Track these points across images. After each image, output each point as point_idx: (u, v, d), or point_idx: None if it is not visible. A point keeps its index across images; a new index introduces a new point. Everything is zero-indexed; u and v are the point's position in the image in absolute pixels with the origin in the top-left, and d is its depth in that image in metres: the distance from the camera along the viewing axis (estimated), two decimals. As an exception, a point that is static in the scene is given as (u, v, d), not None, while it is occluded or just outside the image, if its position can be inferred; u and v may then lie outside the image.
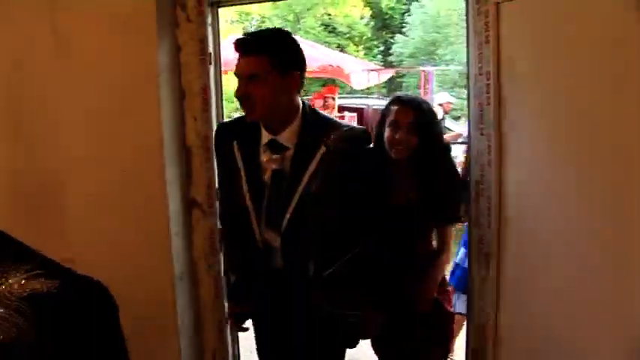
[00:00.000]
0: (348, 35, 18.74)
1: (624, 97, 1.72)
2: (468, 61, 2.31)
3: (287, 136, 1.94)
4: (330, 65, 6.79)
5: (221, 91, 2.60)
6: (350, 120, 7.21)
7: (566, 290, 1.98)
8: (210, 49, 2.52)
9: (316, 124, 1.97)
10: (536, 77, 2.05)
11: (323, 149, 1.91)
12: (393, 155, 2.25)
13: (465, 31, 2.37)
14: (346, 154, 1.92)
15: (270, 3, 11.40)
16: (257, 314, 2.22)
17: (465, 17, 2.38)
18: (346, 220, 1.99)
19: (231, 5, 2.66)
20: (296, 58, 1.90)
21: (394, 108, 2.26)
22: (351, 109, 7.53)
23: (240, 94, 1.85)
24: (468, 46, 2.30)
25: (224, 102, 2.65)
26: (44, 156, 2.68)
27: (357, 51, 18.29)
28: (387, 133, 2.25)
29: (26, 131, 2.70)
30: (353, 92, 10.72)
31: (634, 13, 1.62)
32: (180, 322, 2.60)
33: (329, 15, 18.14)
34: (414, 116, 2.20)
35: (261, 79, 1.82)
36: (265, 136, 1.96)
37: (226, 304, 2.55)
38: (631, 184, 1.72)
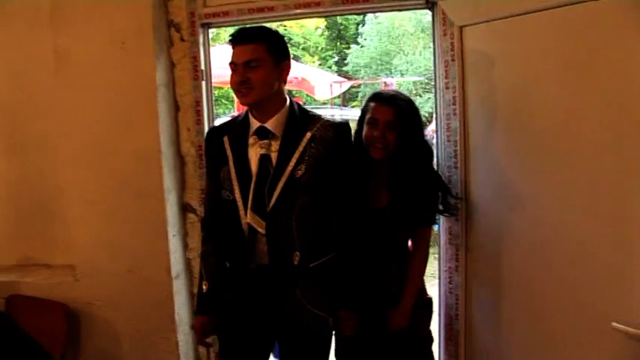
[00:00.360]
0: (303, 46, 18.89)
1: (575, 102, 1.99)
2: (435, 76, 2.58)
3: (275, 124, 2.03)
4: (296, 78, 7.03)
5: (212, 104, 2.80)
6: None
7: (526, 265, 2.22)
8: (202, 66, 2.73)
9: (301, 115, 2.09)
10: (494, 91, 2.32)
11: (308, 135, 2.02)
12: (372, 155, 2.21)
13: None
14: (330, 140, 2.03)
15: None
16: (225, 325, 2.18)
17: (431, 36, 2.65)
18: (333, 209, 2.09)
19: (221, 26, 2.89)
20: (286, 49, 2.04)
21: (373, 105, 2.22)
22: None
23: (239, 79, 1.95)
24: (435, 63, 2.58)
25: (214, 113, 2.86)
26: (45, 167, 2.87)
27: (313, 62, 18.34)
28: (365, 130, 2.22)
29: (27, 143, 2.89)
30: (312, 103, 10.93)
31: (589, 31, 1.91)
32: (178, 317, 2.78)
33: (284, 26, 18.27)
34: (393, 113, 2.16)
35: (259, 65, 1.94)
36: (254, 124, 2.05)
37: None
38: (579, 186, 2.02)
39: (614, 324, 1.74)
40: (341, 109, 10.68)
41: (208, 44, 2.77)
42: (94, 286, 2.82)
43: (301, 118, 2.07)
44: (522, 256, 2.25)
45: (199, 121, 2.75)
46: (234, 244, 2.10)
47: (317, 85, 7.67)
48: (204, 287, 2.16)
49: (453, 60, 2.44)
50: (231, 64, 1.98)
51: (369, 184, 2.26)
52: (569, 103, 2.00)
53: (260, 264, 2.06)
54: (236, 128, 2.13)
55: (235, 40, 1.98)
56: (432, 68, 2.65)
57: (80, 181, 2.77)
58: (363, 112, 2.28)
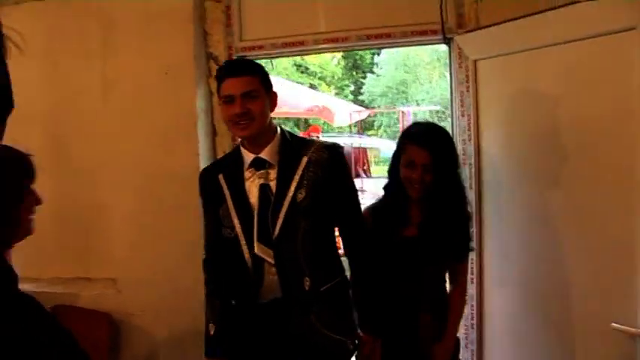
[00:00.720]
0: (319, 75, 19.25)
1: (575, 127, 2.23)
2: (451, 105, 2.82)
3: (270, 153, 2.04)
4: (317, 106, 7.30)
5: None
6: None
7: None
8: (237, 95, 2.99)
9: (294, 141, 2.11)
10: (506, 119, 2.54)
11: (305, 159, 2.03)
12: (409, 193, 2.20)
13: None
14: (327, 162, 2.04)
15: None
16: None
17: (448, 68, 2.91)
18: (346, 230, 2.16)
19: (255, 59, 3.14)
20: (271, 80, 2.07)
21: (411, 146, 2.18)
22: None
23: (240, 111, 1.94)
24: (451, 92, 2.82)
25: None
26: (89, 186, 3.08)
27: (329, 91, 18.63)
28: (403, 171, 2.20)
29: (73, 164, 3.11)
30: (330, 131, 11.21)
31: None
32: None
33: (302, 57, 18.62)
34: (430, 156, 2.12)
35: (258, 95, 1.97)
36: (249, 157, 2.06)
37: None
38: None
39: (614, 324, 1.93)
40: (360, 137, 10.96)
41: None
42: (134, 297, 3.02)
43: (294, 143, 2.10)
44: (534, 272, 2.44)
45: (234, 145, 2.98)
46: (240, 282, 2.09)
47: (337, 113, 7.94)
48: (211, 331, 2.12)
49: (467, 90, 2.68)
50: (225, 97, 1.99)
51: (405, 215, 2.25)
52: (575, 130, 2.22)
53: (270, 298, 2.04)
54: (229, 165, 2.14)
55: (231, 73, 1.99)
56: (448, 97, 2.89)
57: (122, 199, 3.01)
58: (399, 149, 2.25)
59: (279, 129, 2.12)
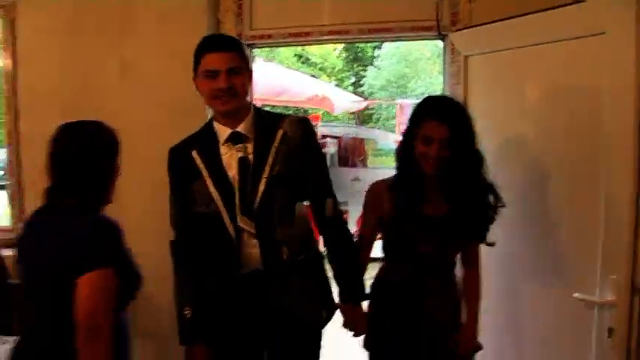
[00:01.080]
0: (320, 66, 19.37)
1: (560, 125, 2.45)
2: (443, 96, 3.05)
3: (246, 127, 2.07)
4: (317, 95, 7.52)
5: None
6: (330, 145, 8.03)
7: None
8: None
9: (267, 116, 2.17)
10: (492, 111, 2.73)
11: (280, 132, 2.07)
12: (424, 169, 2.11)
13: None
14: (301, 134, 2.09)
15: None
16: (220, 342, 2.13)
17: (442, 62, 3.14)
18: (318, 200, 2.17)
19: (263, 47, 3.38)
20: (248, 57, 2.14)
21: (429, 122, 2.08)
22: (332, 137, 8.34)
23: (225, 85, 1.97)
24: (444, 86, 3.06)
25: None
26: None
27: (330, 82, 18.80)
28: (418, 147, 2.10)
29: None
30: (329, 120, 11.38)
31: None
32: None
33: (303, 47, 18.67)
34: (448, 131, 2.04)
35: (239, 72, 2.01)
36: (224, 132, 2.09)
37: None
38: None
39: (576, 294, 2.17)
40: (358, 128, 11.17)
41: (252, 62, 3.24)
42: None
43: (267, 118, 2.15)
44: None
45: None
46: (219, 256, 2.09)
47: (336, 103, 8.16)
48: (187, 314, 2.09)
49: (458, 83, 2.90)
50: (208, 71, 2.01)
51: (424, 195, 2.17)
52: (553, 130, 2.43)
53: (249, 269, 2.07)
54: (202, 141, 2.14)
55: (215, 47, 2.02)
56: (441, 90, 3.12)
57: (136, 177, 3.17)
58: (413, 124, 2.15)
59: (252, 105, 2.18)
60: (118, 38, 3.22)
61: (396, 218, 2.16)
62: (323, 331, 2.24)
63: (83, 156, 1.86)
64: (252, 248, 2.05)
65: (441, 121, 2.05)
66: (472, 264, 2.32)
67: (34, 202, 3.57)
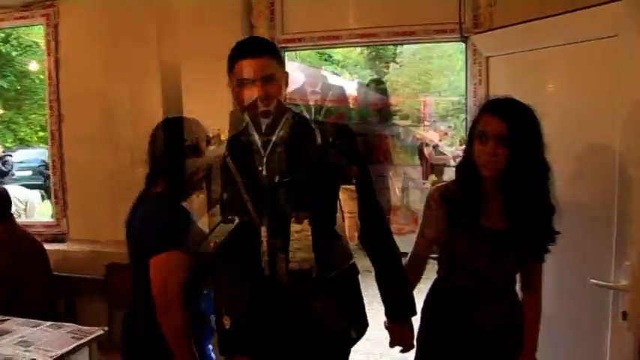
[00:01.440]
0: (342, 64, 19.40)
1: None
2: (466, 96, 3.20)
3: (280, 134, 1.95)
4: (340, 93, 7.70)
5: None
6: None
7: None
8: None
9: (302, 122, 2.02)
10: None
11: (318, 141, 1.93)
12: (483, 172, 1.93)
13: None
14: (336, 141, 1.94)
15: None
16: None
17: (464, 63, 3.29)
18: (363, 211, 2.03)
19: (295, 50, 3.54)
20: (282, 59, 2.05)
21: (484, 116, 1.92)
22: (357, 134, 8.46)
23: (262, 94, 1.85)
24: (466, 85, 3.20)
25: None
26: (141, 162, 3.45)
27: (352, 79, 18.81)
28: (476, 146, 1.93)
29: (127, 142, 3.41)
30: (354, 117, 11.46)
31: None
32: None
33: (324, 44, 18.55)
34: (505, 127, 1.85)
35: (275, 78, 1.89)
36: (259, 138, 1.96)
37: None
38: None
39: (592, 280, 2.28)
40: (381, 125, 11.23)
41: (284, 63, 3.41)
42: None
43: (303, 125, 2.01)
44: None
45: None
46: (254, 266, 1.95)
47: (359, 100, 8.30)
48: (226, 324, 2.01)
49: (480, 83, 3.05)
50: (241, 80, 1.90)
51: (482, 202, 1.99)
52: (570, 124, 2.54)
53: (280, 282, 1.94)
54: (237, 148, 2.02)
55: (248, 54, 1.90)
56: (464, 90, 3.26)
57: None
58: (474, 123, 1.99)
59: (287, 109, 2.03)
60: (156, 42, 3.38)
61: (451, 230, 2.03)
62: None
63: (170, 148, 2.13)
64: (282, 263, 1.92)
65: (495, 114, 1.89)
66: (532, 288, 2.12)
67: (77, 198, 3.84)
